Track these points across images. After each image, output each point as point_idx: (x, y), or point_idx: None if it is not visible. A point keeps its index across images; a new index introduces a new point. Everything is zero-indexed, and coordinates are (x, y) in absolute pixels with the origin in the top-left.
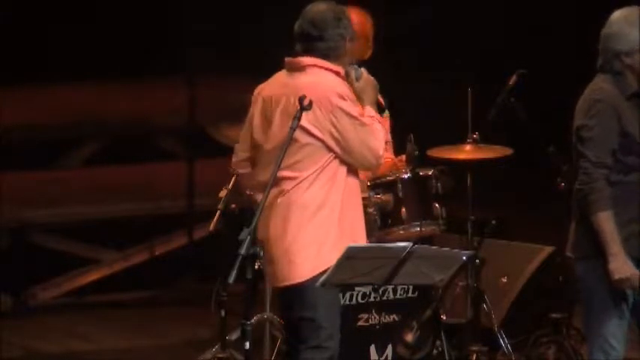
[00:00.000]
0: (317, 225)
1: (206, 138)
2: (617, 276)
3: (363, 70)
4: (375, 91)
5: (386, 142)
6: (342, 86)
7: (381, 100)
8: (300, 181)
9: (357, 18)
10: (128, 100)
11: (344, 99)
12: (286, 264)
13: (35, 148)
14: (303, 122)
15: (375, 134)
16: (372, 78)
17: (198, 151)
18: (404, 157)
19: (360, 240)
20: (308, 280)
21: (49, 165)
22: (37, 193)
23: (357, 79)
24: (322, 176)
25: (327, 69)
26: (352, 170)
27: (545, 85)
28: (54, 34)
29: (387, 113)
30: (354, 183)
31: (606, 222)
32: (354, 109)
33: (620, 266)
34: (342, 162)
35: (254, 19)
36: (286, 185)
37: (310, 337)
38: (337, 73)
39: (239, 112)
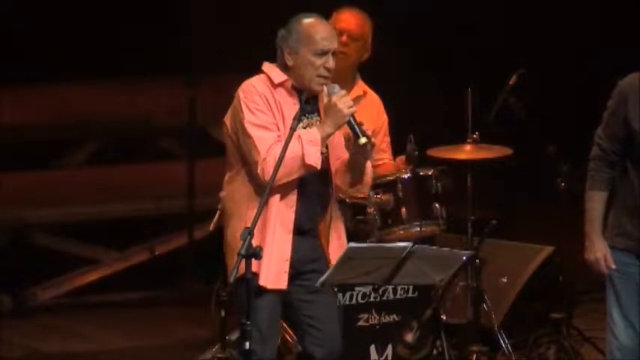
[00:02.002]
0: (235, 228)
1: (206, 138)
2: (585, 255)
3: (340, 92)
4: (338, 119)
5: (382, 141)
6: (247, 91)
7: (363, 90)
8: (232, 178)
9: (355, 20)
10: (128, 100)
11: (241, 103)
12: (227, 267)
13: (35, 148)
14: (226, 119)
15: (259, 147)
16: (339, 105)
17: (198, 151)
18: (403, 157)
19: (274, 242)
20: (235, 282)
21: (49, 165)
22: (37, 193)
23: (329, 95)
24: (245, 172)
25: (263, 72)
26: None
27: (545, 85)
28: (54, 34)
29: (364, 145)
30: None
31: (589, 201)
32: (247, 115)
33: (588, 247)
34: None
35: (254, 19)
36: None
37: (242, 341)
38: (268, 77)
39: None
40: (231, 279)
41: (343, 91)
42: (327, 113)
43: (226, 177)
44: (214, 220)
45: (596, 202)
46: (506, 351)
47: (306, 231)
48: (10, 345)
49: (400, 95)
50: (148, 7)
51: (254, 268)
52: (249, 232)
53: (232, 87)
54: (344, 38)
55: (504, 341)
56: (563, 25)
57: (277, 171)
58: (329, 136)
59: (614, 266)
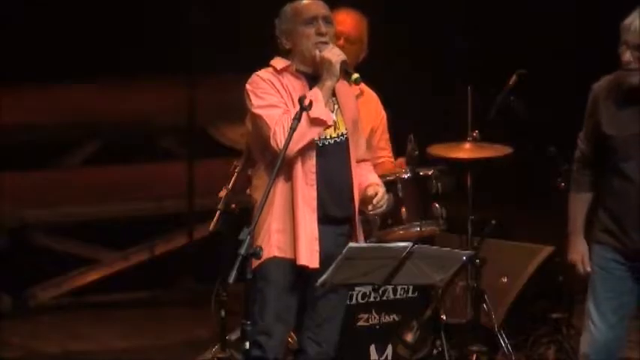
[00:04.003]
0: (264, 212)
1: (206, 138)
2: (568, 256)
3: (328, 47)
4: (329, 68)
5: (380, 138)
6: (252, 80)
7: (360, 89)
8: (255, 170)
9: (352, 21)
10: (128, 100)
11: (248, 92)
12: None
13: (35, 148)
14: (247, 119)
15: (268, 123)
16: (327, 56)
17: (198, 151)
18: (403, 160)
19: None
20: (252, 273)
21: (49, 165)
22: (37, 193)
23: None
24: (266, 162)
25: (269, 64)
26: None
27: (545, 85)
28: (54, 34)
29: (356, 81)
30: (292, 171)
31: (571, 203)
32: (255, 101)
33: (569, 247)
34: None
35: (254, 19)
36: None
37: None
38: (274, 68)
39: (239, 112)
40: (231, 279)
41: (330, 45)
42: (321, 69)
43: (252, 172)
44: (214, 220)
45: (577, 202)
46: (506, 351)
47: (333, 219)
48: (10, 345)
49: (400, 95)
50: (148, 7)
51: (284, 254)
52: (249, 232)
53: (232, 87)
54: (341, 42)
55: (504, 341)
56: (563, 25)
57: (289, 141)
58: (329, 88)
59: (589, 269)
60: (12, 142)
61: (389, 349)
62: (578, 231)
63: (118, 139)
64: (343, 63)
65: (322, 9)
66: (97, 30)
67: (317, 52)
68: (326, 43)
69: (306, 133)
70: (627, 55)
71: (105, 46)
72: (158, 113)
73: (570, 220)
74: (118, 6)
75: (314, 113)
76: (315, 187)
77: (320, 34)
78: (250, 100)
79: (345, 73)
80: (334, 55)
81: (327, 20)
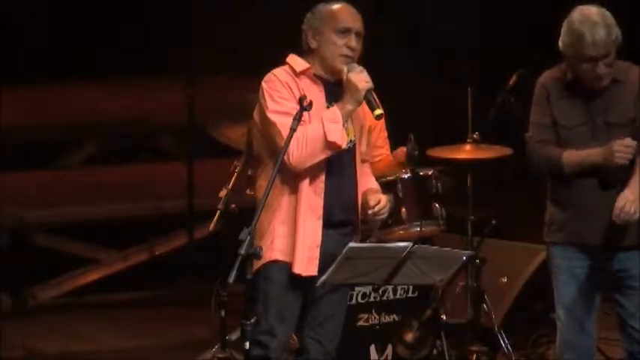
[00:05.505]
0: (265, 215)
1: (206, 138)
2: (614, 160)
3: (357, 69)
4: (354, 93)
5: (379, 136)
6: (270, 80)
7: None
8: (262, 170)
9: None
10: (128, 100)
11: (264, 93)
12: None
13: (35, 148)
14: (255, 114)
15: (282, 133)
16: (353, 80)
17: (198, 151)
18: (403, 148)
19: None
20: (254, 273)
21: (49, 165)
22: (37, 193)
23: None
24: (269, 167)
25: (285, 62)
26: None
27: None
28: (54, 34)
29: (378, 117)
30: (299, 178)
31: (571, 155)
32: (270, 104)
33: (605, 153)
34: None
35: (254, 18)
36: None
37: (253, 330)
38: (291, 67)
39: (239, 112)
40: (231, 279)
41: (360, 68)
42: (345, 90)
43: (258, 172)
44: (214, 220)
45: (572, 153)
46: (506, 351)
47: (337, 223)
48: (10, 345)
49: (399, 94)
50: (148, 7)
51: (286, 258)
52: (249, 232)
53: (232, 87)
54: None
55: (504, 341)
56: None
57: (287, 145)
58: (349, 112)
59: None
60: (12, 142)
61: (389, 349)
62: (595, 150)
63: (117, 139)
64: (369, 92)
65: (358, 23)
66: (98, 30)
67: (344, 70)
68: (351, 59)
69: (318, 154)
70: (602, 68)
71: (105, 46)
72: (158, 113)
73: (585, 159)
74: (118, 6)
75: (331, 137)
76: (322, 196)
77: (349, 47)
78: (265, 102)
79: (368, 103)
80: (361, 81)
81: (360, 36)
